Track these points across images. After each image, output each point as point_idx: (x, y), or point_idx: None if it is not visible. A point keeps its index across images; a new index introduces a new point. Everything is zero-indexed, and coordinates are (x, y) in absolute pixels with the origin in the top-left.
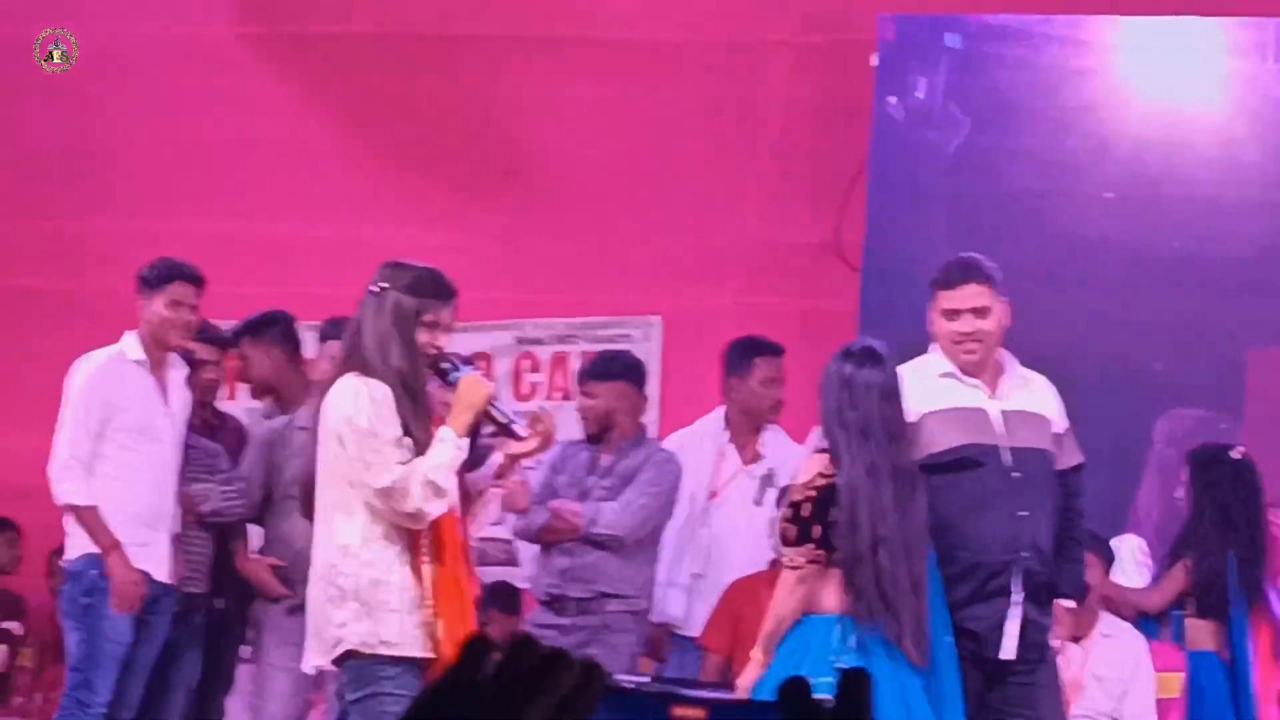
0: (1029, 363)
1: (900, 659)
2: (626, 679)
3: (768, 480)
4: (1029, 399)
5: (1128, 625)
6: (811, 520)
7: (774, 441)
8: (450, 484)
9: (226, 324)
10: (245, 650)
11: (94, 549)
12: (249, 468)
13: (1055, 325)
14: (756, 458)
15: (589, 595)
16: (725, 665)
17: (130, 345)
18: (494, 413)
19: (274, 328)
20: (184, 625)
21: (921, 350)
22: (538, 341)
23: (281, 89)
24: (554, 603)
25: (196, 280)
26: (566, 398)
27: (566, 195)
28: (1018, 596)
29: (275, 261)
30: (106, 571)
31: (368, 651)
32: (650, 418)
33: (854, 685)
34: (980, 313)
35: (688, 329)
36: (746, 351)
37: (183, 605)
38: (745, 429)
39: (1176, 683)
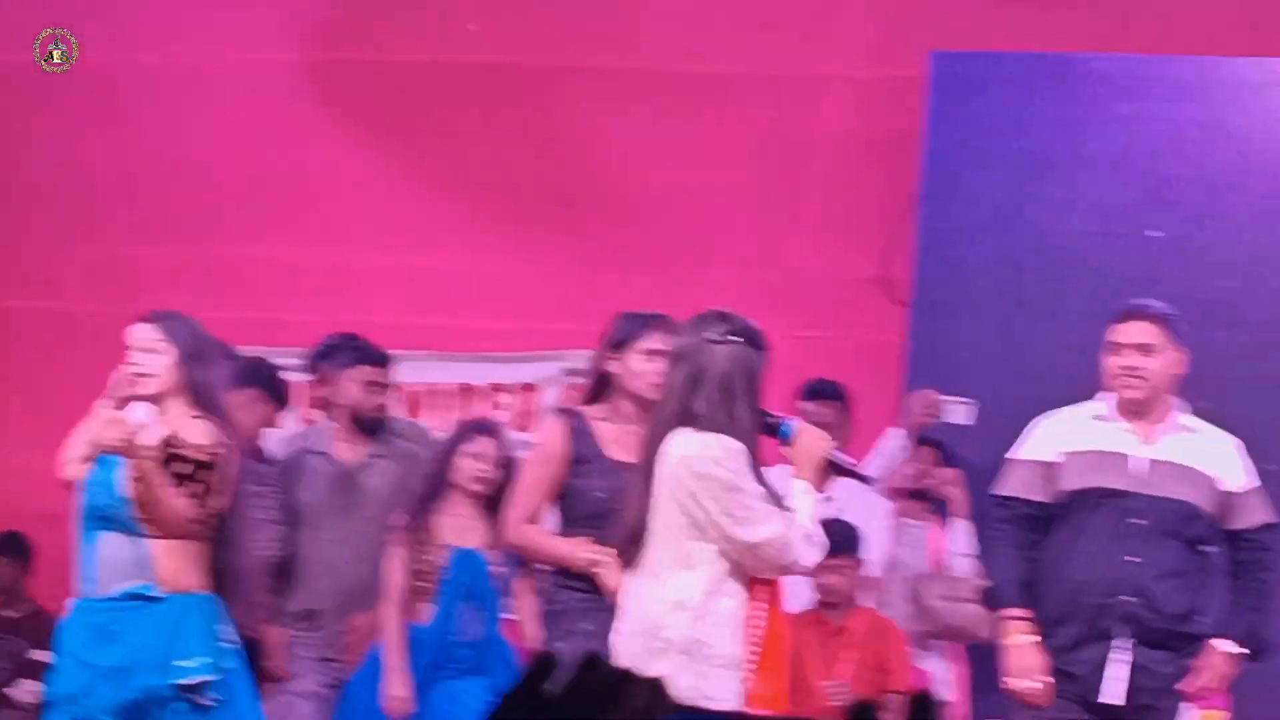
0: (1069, 400)
1: None
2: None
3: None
4: (1188, 452)
5: None
6: None
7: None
8: (820, 534)
9: (278, 351)
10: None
11: None
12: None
13: None
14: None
15: None
16: None
17: None
18: (838, 459)
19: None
20: None
21: (977, 384)
22: (584, 373)
23: (342, 116)
24: None
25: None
26: None
27: (619, 227)
28: (1120, 641)
29: (334, 289)
30: None
31: (688, 705)
32: None
33: (925, 711)
34: (1145, 350)
35: None
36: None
37: None
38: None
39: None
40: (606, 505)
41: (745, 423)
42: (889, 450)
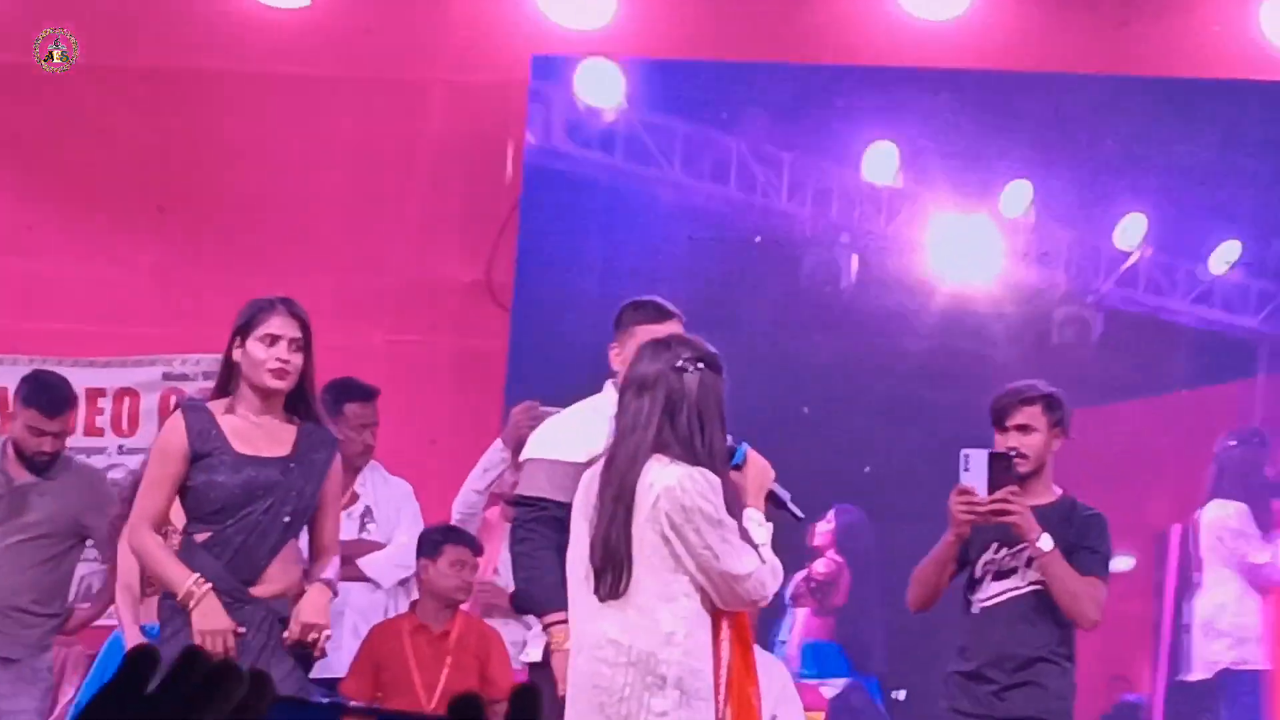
0: None
1: None
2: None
3: (367, 516)
4: None
5: (769, 655)
6: None
7: (372, 480)
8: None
9: None
10: None
11: None
12: None
13: None
14: (354, 499)
15: None
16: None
17: None
18: (777, 491)
19: None
20: None
21: (570, 386)
22: (184, 377)
23: None
24: None
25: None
26: None
27: (222, 230)
28: None
29: None
30: None
31: None
32: None
33: (526, 701)
34: None
35: (337, 366)
36: (338, 396)
37: None
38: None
39: None
40: (233, 500)
41: (718, 452)
42: (491, 461)
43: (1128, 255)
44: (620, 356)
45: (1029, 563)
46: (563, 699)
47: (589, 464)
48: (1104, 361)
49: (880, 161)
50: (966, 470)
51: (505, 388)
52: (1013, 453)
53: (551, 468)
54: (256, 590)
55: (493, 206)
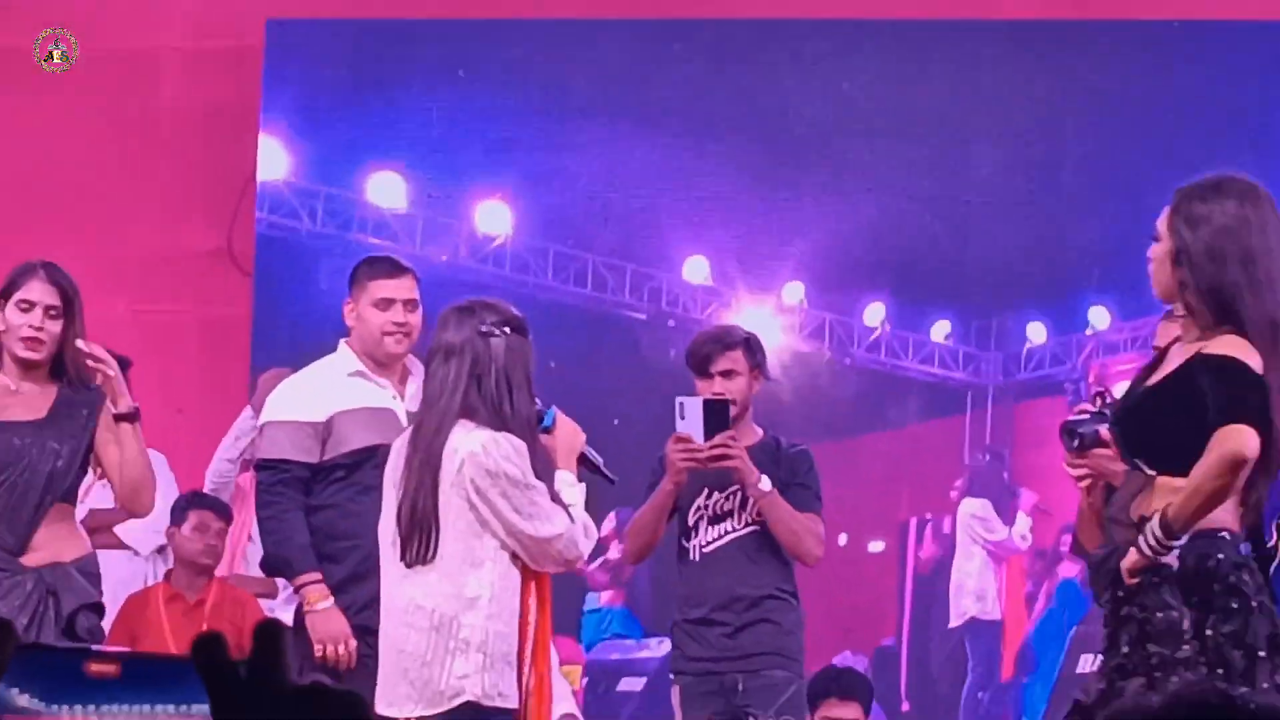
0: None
1: None
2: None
3: None
4: None
5: None
6: None
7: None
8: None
9: None
10: None
11: None
12: None
13: None
14: None
15: None
16: None
17: None
18: (590, 455)
19: None
20: None
21: (314, 352)
22: None
23: None
24: None
25: None
26: None
27: None
28: None
29: None
30: None
31: (486, 704)
32: None
33: (268, 639)
34: (409, 305)
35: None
36: None
37: None
38: None
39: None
40: None
41: (524, 415)
42: (242, 429)
43: (873, 330)
44: (354, 312)
45: (744, 504)
46: (319, 660)
47: (328, 423)
48: (859, 405)
49: None
50: (682, 419)
51: (251, 354)
52: (725, 398)
53: (291, 428)
54: (26, 559)
55: (232, 173)
